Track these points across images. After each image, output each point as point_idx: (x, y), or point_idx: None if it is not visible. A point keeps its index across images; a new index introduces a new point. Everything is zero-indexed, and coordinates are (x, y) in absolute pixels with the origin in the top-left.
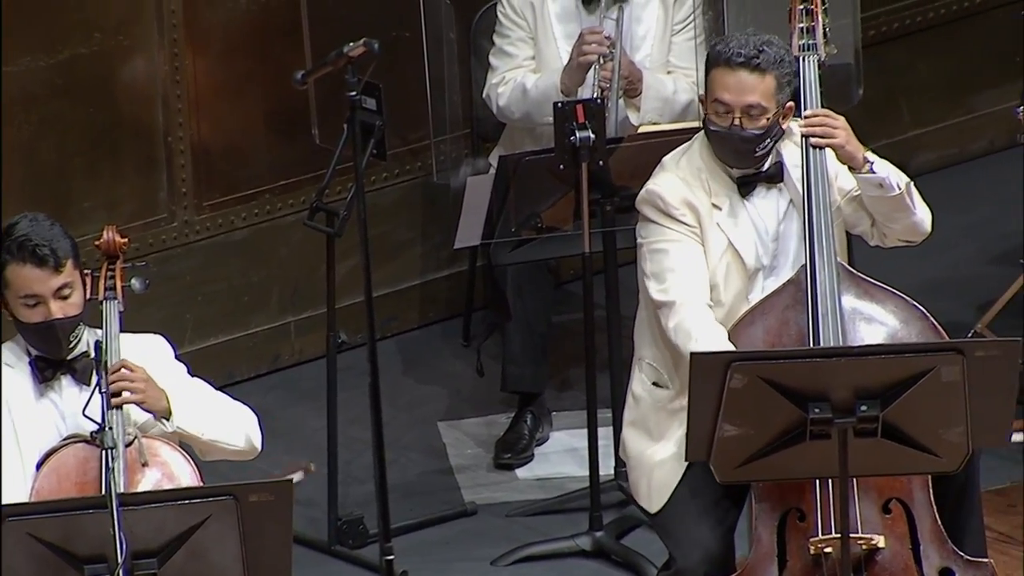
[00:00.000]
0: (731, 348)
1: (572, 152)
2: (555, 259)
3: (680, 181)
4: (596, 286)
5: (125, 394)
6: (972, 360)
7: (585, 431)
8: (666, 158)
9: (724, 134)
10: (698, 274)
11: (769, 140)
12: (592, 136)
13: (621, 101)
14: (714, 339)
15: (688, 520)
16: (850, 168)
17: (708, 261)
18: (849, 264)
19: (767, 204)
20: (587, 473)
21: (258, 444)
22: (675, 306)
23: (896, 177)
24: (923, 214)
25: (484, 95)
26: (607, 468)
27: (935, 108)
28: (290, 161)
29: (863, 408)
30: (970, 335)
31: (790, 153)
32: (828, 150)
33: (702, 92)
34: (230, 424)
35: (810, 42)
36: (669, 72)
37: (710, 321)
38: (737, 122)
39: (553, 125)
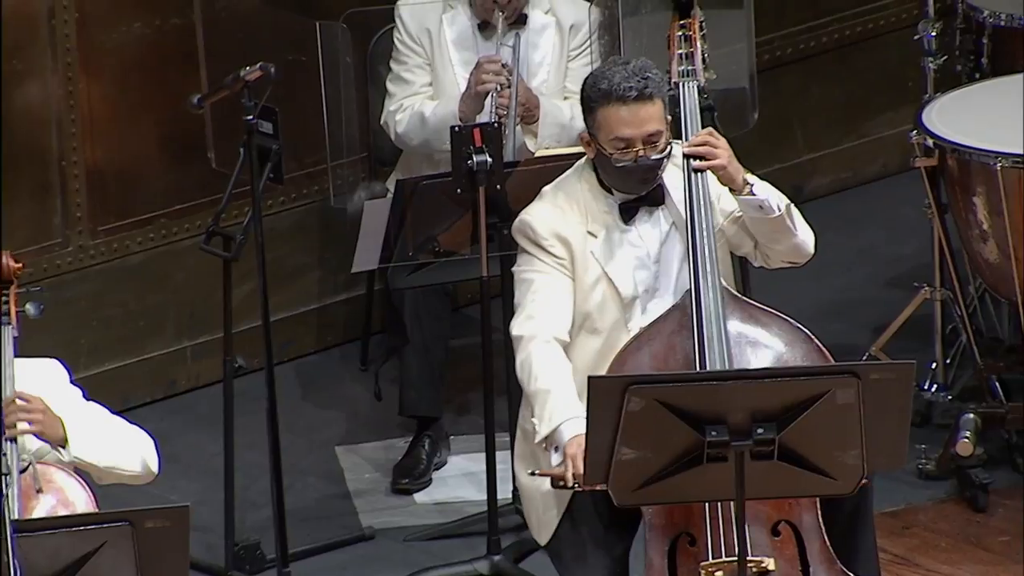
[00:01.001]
0: (571, 388)
1: (469, 176)
2: (453, 283)
3: (555, 210)
4: (494, 310)
5: (21, 425)
6: (867, 383)
7: (483, 455)
8: (546, 188)
9: (631, 168)
10: (555, 308)
11: (667, 159)
12: (489, 160)
13: (519, 127)
14: (553, 378)
15: (579, 548)
16: (731, 190)
17: (581, 290)
18: (743, 287)
19: (649, 228)
20: (485, 497)
21: (155, 468)
22: (522, 341)
23: (776, 199)
24: (805, 236)
25: (382, 121)
26: (505, 492)
27: (829, 132)
28: (186, 185)
29: (759, 431)
30: (865, 358)
31: (671, 175)
32: (710, 172)
33: (585, 132)
34: (126, 449)
35: (689, 68)
36: (566, 98)
37: (554, 359)
38: (642, 153)
39: (450, 149)
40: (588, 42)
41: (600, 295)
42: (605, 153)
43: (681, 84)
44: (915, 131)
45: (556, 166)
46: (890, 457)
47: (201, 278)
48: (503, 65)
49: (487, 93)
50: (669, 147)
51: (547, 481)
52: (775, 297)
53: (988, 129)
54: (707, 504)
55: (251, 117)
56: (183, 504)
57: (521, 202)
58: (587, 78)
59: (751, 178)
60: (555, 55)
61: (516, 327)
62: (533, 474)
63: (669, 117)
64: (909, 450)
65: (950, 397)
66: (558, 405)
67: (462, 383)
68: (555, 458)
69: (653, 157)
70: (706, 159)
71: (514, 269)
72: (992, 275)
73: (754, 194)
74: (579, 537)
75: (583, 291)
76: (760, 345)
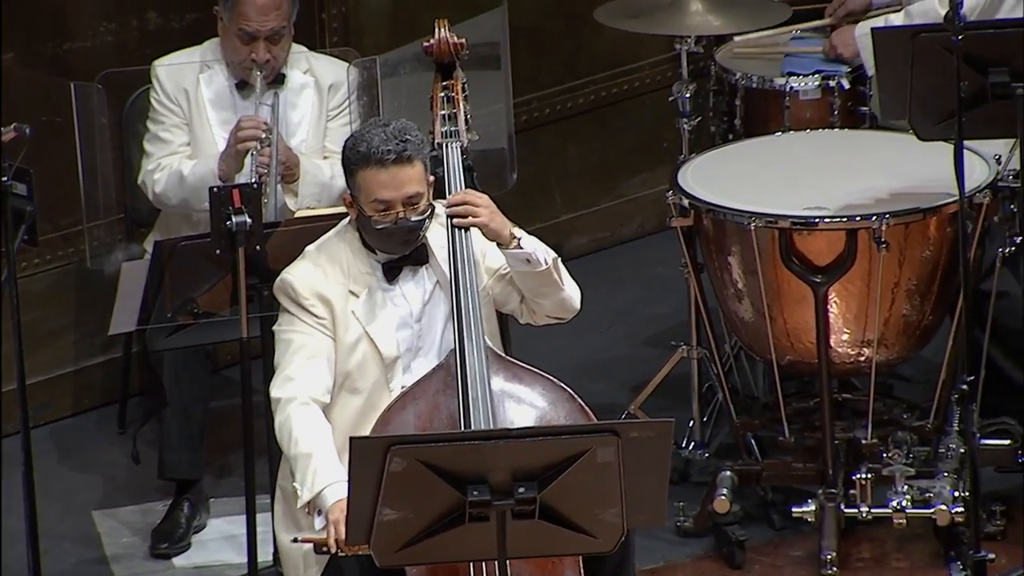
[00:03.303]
0: (332, 451)
1: (229, 237)
2: (212, 344)
3: (316, 269)
4: (254, 371)
5: None
6: (627, 441)
7: (243, 517)
8: (309, 247)
9: (391, 229)
10: (314, 369)
11: (428, 220)
12: (249, 220)
13: (279, 187)
14: (313, 442)
15: None
16: (498, 245)
17: (342, 350)
18: (504, 345)
19: (413, 287)
20: (245, 560)
21: None
22: (280, 403)
23: (544, 252)
24: (572, 291)
25: (140, 181)
26: (265, 555)
27: (587, 192)
28: None
29: (521, 490)
30: (623, 416)
31: (435, 234)
32: (474, 230)
33: (347, 193)
34: None
35: (452, 129)
36: (326, 157)
37: (313, 421)
38: (402, 215)
39: (209, 210)
40: (347, 102)
41: (361, 355)
42: (366, 215)
43: (445, 145)
44: (671, 191)
45: (316, 226)
46: (649, 514)
47: None
48: (263, 124)
49: (247, 151)
50: (431, 208)
51: (311, 545)
52: (535, 356)
53: (742, 189)
54: (471, 563)
55: (5, 178)
56: None
57: (281, 262)
58: (347, 140)
59: (518, 232)
60: (314, 115)
61: (275, 389)
62: (296, 540)
63: (431, 177)
64: (668, 507)
65: (707, 455)
66: (320, 469)
67: (222, 445)
68: (318, 522)
69: (413, 219)
70: (466, 217)
71: (275, 328)
72: (747, 334)
73: (521, 248)
74: None
75: (344, 351)
76: (524, 404)
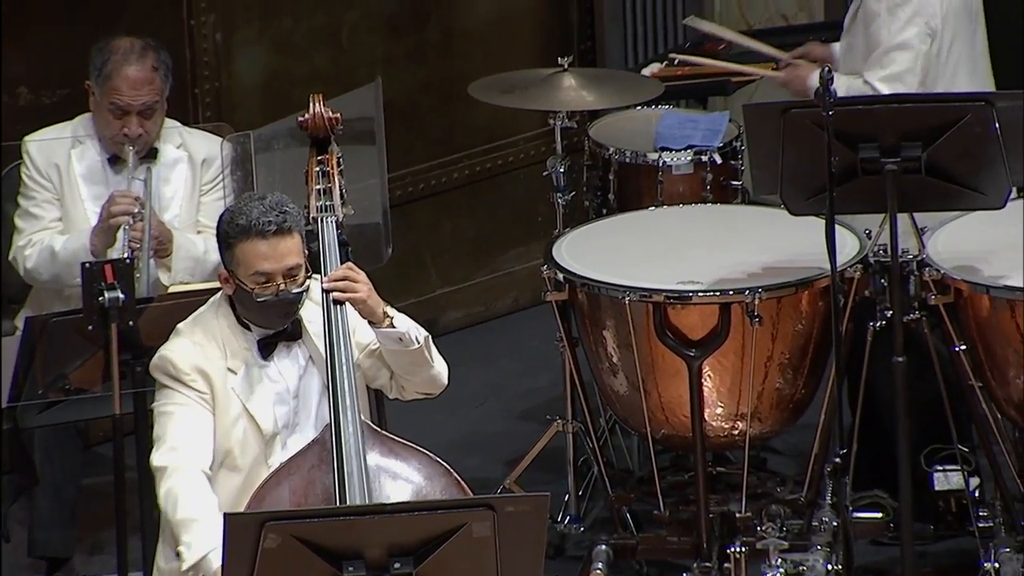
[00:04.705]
0: (218, 517)
1: (101, 312)
2: (85, 421)
3: (194, 346)
4: (127, 447)
5: None
6: (503, 515)
7: None
8: (181, 324)
9: (272, 302)
10: (198, 440)
11: (306, 294)
12: (122, 296)
13: (152, 261)
14: (199, 507)
15: None
16: (371, 323)
17: (222, 427)
18: (379, 420)
19: (288, 363)
20: None
21: None
22: (166, 471)
23: (415, 331)
24: (440, 367)
25: (11, 257)
26: None
27: (462, 267)
28: None
29: (396, 566)
30: (499, 491)
31: (307, 310)
32: (348, 305)
33: (223, 269)
34: None
35: (328, 203)
36: (199, 232)
37: (200, 488)
38: (283, 287)
39: (81, 286)
40: (220, 177)
41: (241, 431)
42: (246, 288)
43: (320, 219)
44: (546, 265)
45: (190, 301)
46: None
47: None
48: (135, 199)
49: (119, 226)
50: (308, 281)
51: None
52: (410, 431)
53: (616, 263)
54: None
55: None
56: None
57: (155, 338)
58: (223, 214)
59: (391, 311)
60: (187, 189)
61: (158, 458)
62: None
63: (307, 251)
64: None
65: (583, 529)
66: (206, 533)
67: (94, 522)
68: None
69: (294, 291)
70: (345, 292)
71: (153, 405)
72: (622, 407)
73: (394, 327)
74: None
75: (224, 427)
76: (400, 479)
